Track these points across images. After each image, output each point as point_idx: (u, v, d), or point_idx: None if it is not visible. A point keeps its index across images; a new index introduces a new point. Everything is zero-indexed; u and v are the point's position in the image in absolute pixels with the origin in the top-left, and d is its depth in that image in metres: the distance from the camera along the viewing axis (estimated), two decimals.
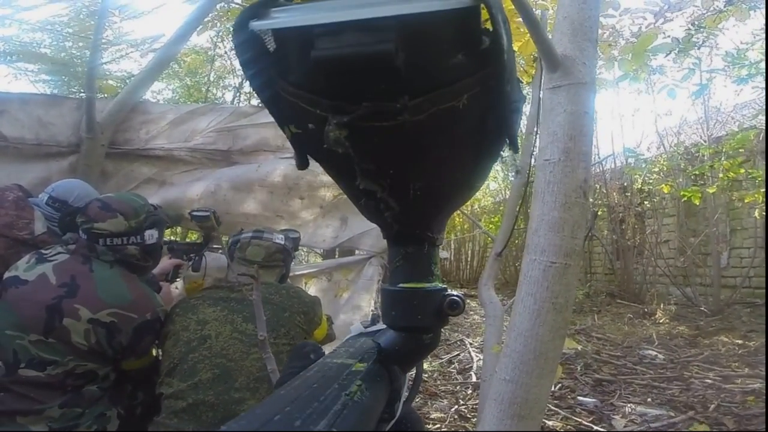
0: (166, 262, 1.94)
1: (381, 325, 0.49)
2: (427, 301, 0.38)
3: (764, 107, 5.63)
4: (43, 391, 1.30)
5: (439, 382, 3.44)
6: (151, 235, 1.51)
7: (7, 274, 1.42)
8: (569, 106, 1.08)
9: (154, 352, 1.56)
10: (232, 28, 0.29)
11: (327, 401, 0.27)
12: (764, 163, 5.21)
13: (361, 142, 0.29)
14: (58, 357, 1.32)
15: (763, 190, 5.10)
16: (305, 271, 2.55)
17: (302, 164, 0.34)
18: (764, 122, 5.65)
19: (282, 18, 0.27)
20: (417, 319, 0.38)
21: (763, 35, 4.56)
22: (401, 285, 0.38)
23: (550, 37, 1.13)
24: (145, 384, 1.53)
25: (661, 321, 5.50)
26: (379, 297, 1.64)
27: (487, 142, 0.33)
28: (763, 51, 4.50)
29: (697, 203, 5.66)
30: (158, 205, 2.02)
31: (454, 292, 0.38)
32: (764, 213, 5.25)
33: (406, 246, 0.38)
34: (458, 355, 4.16)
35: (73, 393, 1.34)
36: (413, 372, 0.51)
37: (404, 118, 0.27)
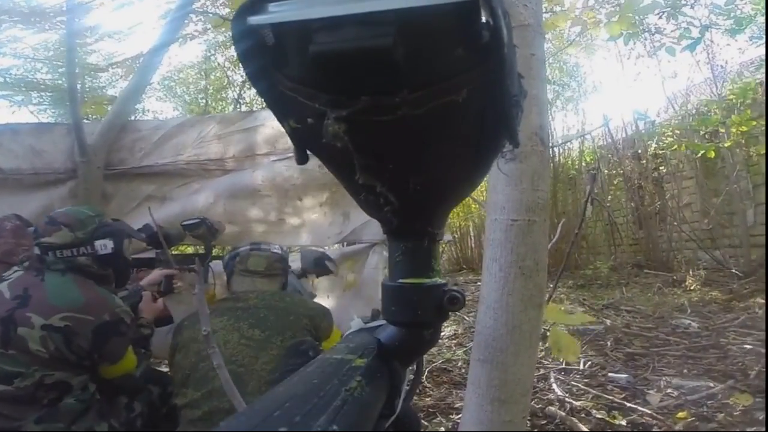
0: (155, 273, 1.93)
1: (381, 321, 0.48)
2: (427, 297, 0.38)
3: (764, 61, 5.43)
4: (15, 407, 1.31)
5: (464, 371, 3.37)
6: (103, 245, 1.50)
7: None
8: None
9: (136, 359, 1.53)
10: (231, 23, 0.29)
11: (327, 397, 0.27)
12: None
13: (360, 137, 0.29)
14: (23, 368, 1.32)
15: None
16: None
17: (302, 159, 0.34)
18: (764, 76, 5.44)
19: (280, 12, 0.27)
20: (417, 315, 0.38)
21: None
22: (401, 280, 0.38)
23: None
24: (141, 395, 1.53)
25: (692, 288, 5.30)
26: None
27: (487, 137, 0.33)
28: (762, 8, 4.29)
29: (712, 156, 5.43)
30: (160, 225, 2.01)
31: (454, 288, 0.38)
32: None
33: (406, 241, 0.38)
34: None
35: (48, 407, 1.33)
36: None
37: (403, 113, 0.27)
